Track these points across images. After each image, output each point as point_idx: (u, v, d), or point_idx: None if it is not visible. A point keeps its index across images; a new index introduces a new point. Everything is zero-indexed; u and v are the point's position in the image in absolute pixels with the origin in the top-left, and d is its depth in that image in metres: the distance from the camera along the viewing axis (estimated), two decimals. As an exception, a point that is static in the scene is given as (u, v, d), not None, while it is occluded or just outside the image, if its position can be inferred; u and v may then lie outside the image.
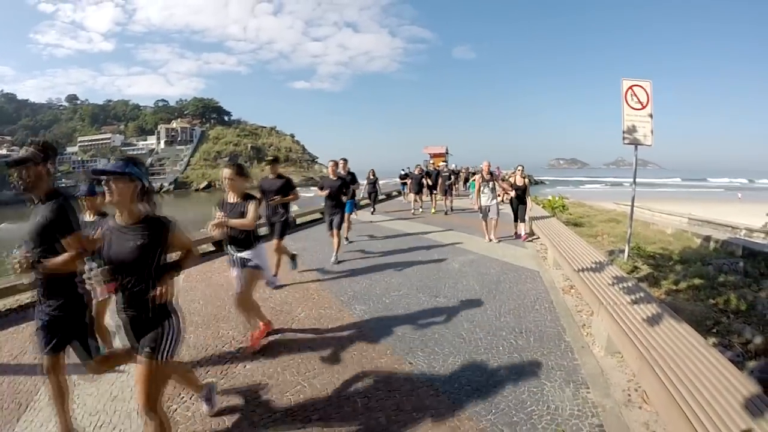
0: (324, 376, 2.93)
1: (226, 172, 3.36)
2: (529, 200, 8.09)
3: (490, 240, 7.67)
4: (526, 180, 8.15)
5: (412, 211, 12.72)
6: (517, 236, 8.11)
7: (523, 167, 8.26)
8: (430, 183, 12.49)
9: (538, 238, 7.76)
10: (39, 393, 2.82)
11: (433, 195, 12.87)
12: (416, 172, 12.70)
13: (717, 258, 6.60)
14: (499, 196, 7.87)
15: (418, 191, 12.46)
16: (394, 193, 19.26)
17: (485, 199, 7.63)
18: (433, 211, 12.49)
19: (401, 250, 7.21)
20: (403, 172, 16.37)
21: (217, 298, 4.71)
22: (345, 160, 7.88)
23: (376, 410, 2.51)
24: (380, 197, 14.07)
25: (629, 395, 2.71)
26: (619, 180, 79.54)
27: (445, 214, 12.06)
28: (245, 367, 3.09)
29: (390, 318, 4.03)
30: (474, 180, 20.78)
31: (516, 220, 8.21)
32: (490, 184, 7.61)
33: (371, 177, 12.54)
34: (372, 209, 12.53)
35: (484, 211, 7.67)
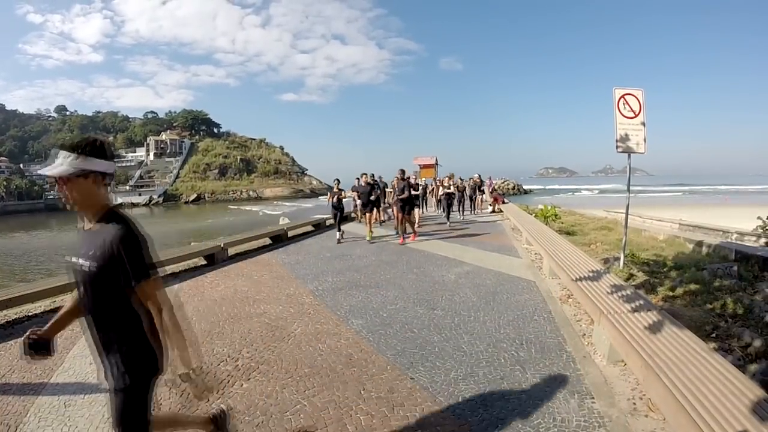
0: (324, 393, 2.84)
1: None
2: None
3: None
4: None
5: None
6: None
7: None
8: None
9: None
10: (28, 414, 2.70)
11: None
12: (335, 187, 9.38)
13: (711, 263, 6.64)
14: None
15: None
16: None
17: None
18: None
19: (393, 262, 7.15)
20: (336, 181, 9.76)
21: (210, 313, 4.60)
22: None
23: (380, 429, 2.43)
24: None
25: (634, 404, 2.68)
26: (609, 187, 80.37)
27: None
28: (242, 386, 2.99)
29: (389, 332, 3.96)
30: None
31: None
32: None
33: None
34: None
35: None
